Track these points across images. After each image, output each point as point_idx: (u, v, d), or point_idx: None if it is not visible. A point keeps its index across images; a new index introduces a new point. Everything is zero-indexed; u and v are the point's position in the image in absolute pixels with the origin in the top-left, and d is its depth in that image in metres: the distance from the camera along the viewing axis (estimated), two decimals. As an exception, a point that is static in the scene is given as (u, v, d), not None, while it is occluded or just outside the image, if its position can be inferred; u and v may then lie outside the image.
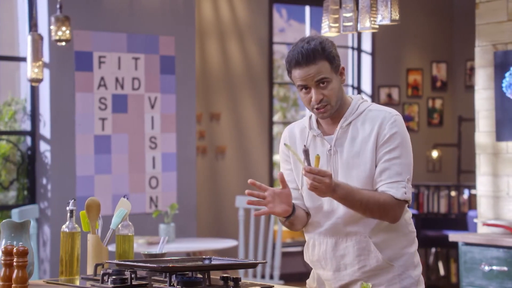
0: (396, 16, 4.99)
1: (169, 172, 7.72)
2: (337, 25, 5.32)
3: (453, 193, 9.61)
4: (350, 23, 5.21)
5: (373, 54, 10.64)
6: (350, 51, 10.77)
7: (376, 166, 3.13)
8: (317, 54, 3.11)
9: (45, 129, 7.32)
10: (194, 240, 7.09)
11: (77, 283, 3.43)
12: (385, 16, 5.01)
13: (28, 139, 7.48)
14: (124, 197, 3.72)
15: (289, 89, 11.12)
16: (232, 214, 9.09)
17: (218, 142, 9.22)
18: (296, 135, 3.30)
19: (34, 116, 7.44)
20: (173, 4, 7.83)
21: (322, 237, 3.24)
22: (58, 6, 6.09)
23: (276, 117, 10.56)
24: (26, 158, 7.47)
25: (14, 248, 3.19)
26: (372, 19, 5.10)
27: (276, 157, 10.64)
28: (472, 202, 9.60)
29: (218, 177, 9.18)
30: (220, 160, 9.23)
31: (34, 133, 7.44)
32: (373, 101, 10.58)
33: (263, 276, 7.33)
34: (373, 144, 3.13)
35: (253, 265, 3.32)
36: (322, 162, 3.17)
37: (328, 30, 5.31)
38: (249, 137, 9.49)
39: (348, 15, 5.21)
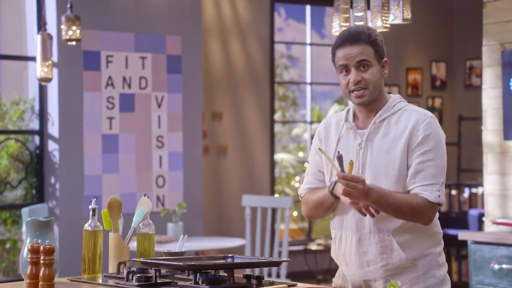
0: (408, 15, 4.97)
1: (175, 171, 7.73)
2: (348, 24, 5.31)
3: (453, 192, 9.65)
4: (361, 23, 5.20)
5: (373, 53, 10.65)
6: (350, 50, 10.77)
7: (407, 166, 3.14)
8: (362, 36, 3.17)
9: (53, 128, 7.33)
10: (202, 239, 7.11)
11: (100, 281, 3.45)
12: (397, 15, 4.99)
13: (37, 138, 7.49)
14: (145, 195, 3.74)
15: (288, 88, 11.15)
16: (234, 213, 9.11)
17: (220, 141, 9.23)
18: (332, 126, 3.32)
19: (42, 115, 7.45)
20: (180, 3, 7.85)
21: (348, 232, 3.26)
22: (68, 5, 6.10)
23: (276, 116, 10.57)
24: (34, 157, 7.48)
25: (41, 246, 3.20)
26: (383, 18, 5.09)
27: (277, 156, 10.66)
28: (472, 200, 9.64)
29: (220, 176, 9.19)
30: (222, 159, 9.24)
31: (42, 132, 7.45)
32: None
33: (269, 275, 7.34)
34: (405, 143, 3.14)
35: (277, 263, 3.34)
36: (352, 155, 3.20)
37: (339, 29, 5.29)
38: (250, 136, 9.51)
39: (359, 14, 5.20)
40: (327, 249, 9.83)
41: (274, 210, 8.91)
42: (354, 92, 3.17)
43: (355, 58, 3.15)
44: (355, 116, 3.29)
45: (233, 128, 9.36)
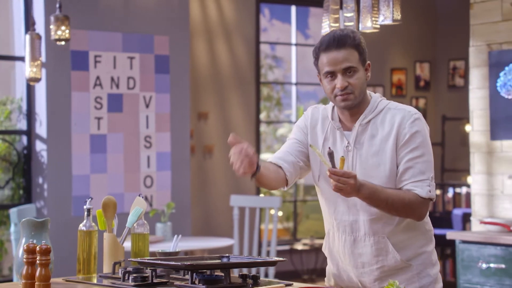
0: (398, 16, 5.00)
1: (163, 171, 7.73)
2: (337, 25, 5.33)
3: (437, 192, 9.71)
4: (351, 23, 5.22)
5: (358, 53, 10.68)
6: (335, 50, 10.79)
7: (397, 166, 3.15)
8: (348, 40, 3.14)
9: (41, 129, 7.31)
10: (191, 239, 7.11)
11: (95, 281, 3.45)
12: (387, 16, 5.02)
13: (24, 139, 7.46)
14: (139, 195, 3.74)
15: (272, 88, 11.16)
16: (221, 213, 9.12)
17: (206, 141, 9.23)
18: (318, 120, 3.31)
19: (30, 115, 7.43)
20: (168, 4, 7.85)
21: (341, 233, 3.27)
22: (57, 5, 6.08)
23: (261, 116, 10.59)
24: (22, 157, 7.46)
25: (37, 247, 3.20)
26: (373, 19, 5.11)
27: (263, 156, 10.66)
28: (456, 200, 9.70)
29: (206, 176, 9.19)
30: (207, 159, 9.25)
31: (30, 132, 7.43)
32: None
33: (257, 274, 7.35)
34: (393, 143, 3.15)
35: (273, 263, 3.35)
36: (338, 157, 3.18)
37: (328, 30, 5.32)
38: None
39: (349, 15, 5.23)
40: (313, 249, 9.87)
41: (261, 210, 8.92)
42: (340, 96, 3.15)
43: (342, 64, 3.13)
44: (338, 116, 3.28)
45: (219, 128, 9.37)
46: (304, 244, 9.91)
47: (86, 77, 7.40)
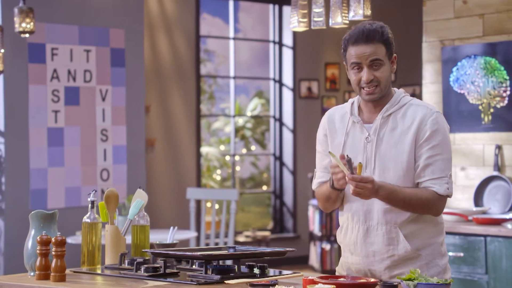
0: (368, 12, 5.09)
1: (119, 164, 7.71)
2: (306, 20, 5.41)
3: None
4: (321, 19, 5.31)
5: (294, 48, 10.82)
6: (271, 45, 10.92)
7: (415, 160, 3.25)
8: (376, 36, 3.25)
9: (-2, 122, 7.22)
10: (151, 232, 7.11)
11: (99, 272, 3.49)
12: (358, 12, 5.11)
13: (-20, 132, 7.36)
14: (139, 188, 3.78)
15: (205, 82, 11.20)
16: (164, 205, 9.13)
17: (147, 134, 9.23)
18: (336, 120, 3.41)
19: (-13, 108, 7.32)
20: (123, -3, 7.84)
21: (355, 222, 3.35)
22: (22, -3, 6.02)
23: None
24: (-22, 151, 7.35)
25: (53, 238, 3.23)
26: (343, 15, 5.21)
27: (203, 149, 10.71)
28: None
29: (148, 169, 9.19)
30: (149, 152, 9.25)
31: (-14, 126, 7.33)
32: (294, 94, 10.79)
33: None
34: (412, 138, 3.25)
35: (283, 253, 3.45)
36: (359, 149, 3.30)
37: (297, 25, 5.39)
38: (177, 129, 9.54)
39: (318, 10, 5.31)
40: (255, 241, 9.96)
41: (199, 202, 8.95)
42: (366, 89, 3.27)
43: (369, 57, 3.24)
44: (359, 109, 3.39)
45: (160, 121, 9.38)
46: (247, 236, 9.99)
47: (43, 70, 7.32)
